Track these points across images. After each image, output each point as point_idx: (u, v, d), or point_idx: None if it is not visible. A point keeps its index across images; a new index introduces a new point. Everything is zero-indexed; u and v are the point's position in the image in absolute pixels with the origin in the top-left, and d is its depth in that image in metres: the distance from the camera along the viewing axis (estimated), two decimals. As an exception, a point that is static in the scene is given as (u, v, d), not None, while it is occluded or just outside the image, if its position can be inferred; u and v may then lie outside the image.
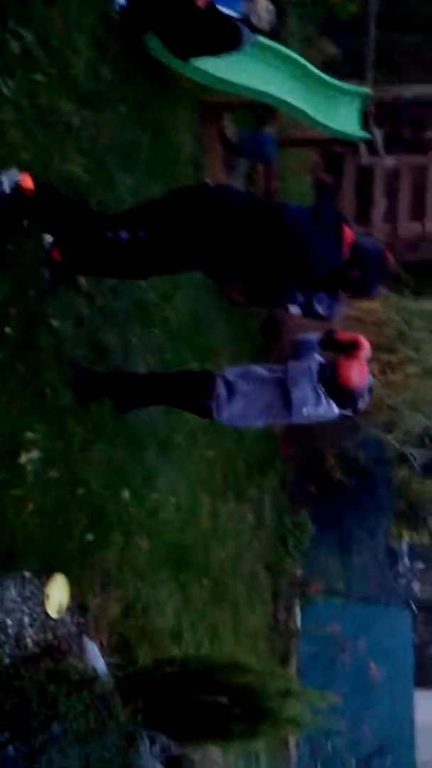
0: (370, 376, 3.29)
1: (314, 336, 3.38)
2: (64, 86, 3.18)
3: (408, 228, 5.55)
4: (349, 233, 2.77)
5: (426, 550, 11.01)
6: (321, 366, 3.13)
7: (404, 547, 10.26)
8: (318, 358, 3.33)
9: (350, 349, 3.24)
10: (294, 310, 2.89)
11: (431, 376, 7.36)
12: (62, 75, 3.16)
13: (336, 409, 3.26)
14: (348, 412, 3.39)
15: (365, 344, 3.24)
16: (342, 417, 3.37)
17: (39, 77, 2.95)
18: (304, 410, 3.17)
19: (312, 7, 8.84)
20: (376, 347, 7.22)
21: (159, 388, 3.37)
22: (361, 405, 3.30)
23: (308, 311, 2.87)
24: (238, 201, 2.78)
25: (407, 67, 7.28)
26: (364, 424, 7.42)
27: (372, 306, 7.44)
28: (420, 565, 11.93)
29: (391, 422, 7.41)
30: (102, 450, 3.43)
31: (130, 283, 3.84)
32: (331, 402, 3.20)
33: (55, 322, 2.98)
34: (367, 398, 3.27)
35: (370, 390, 3.29)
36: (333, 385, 3.13)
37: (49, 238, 2.86)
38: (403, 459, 8.01)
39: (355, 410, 3.37)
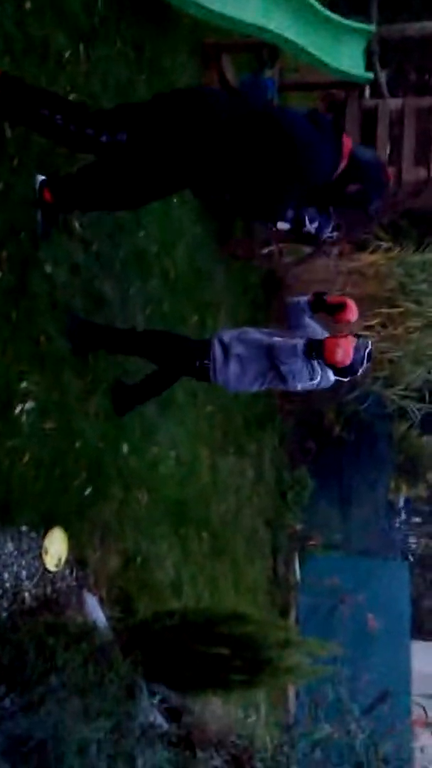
0: (368, 343, 3.23)
1: (304, 298, 3.31)
2: (56, 17, 2.99)
3: (412, 172, 5.35)
4: (348, 142, 2.60)
5: (423, 504, 11.09)
6: (307, 343, 3.06)
7: (402, 501, 10.32)
8: (308, 323, 3.26)
9: (338, 310, 3.16)
10: (283, 226, 2.72)
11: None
12: (53, 5, 2.96)
13: (332, 378, 3.23)
14: (346, 380, 3.34)
15: (352, 306, 3.16)
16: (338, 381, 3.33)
17: (27, 5, 2.76)
18: (297, 384, 3.15)
19: None
20: (376, 301, 7.16)
21: (155, 347, 3.27)
22: (360, 373, 3.25)
23: (298, 229, 2.71)
24: (229, 102, 2.59)
25: (412, 6, 6.98)
26: (364, 380, 7.35)
27: (373, 258, 7.29)
28: (417, 519, 12.04)
29: (392, 377, 7.33)
30: (100, 403, 3.35)
31: (128, 231, 3.71)
32: (327, 371, 3.16)
33: (48, 268, 2.86)
34: (365, 365, 3.21)
35: (369, 356, 3.22)
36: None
37: (40, 177, 2.71)
38: (403, 414, 7.98)
39: (354, 378, 3.32)
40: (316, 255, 6.72)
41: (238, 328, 3.33)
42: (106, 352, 3.33)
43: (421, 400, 7.81)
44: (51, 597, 2.80)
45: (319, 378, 3.13)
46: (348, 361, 3.02)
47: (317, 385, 3.19)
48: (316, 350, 3.03)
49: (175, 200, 4.57)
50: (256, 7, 4.57)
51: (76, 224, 3.09)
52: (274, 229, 2.77)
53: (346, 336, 3.07)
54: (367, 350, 3.16)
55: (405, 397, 7.54)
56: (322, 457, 7.59)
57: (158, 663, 2.95)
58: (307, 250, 6.75)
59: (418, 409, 7.80)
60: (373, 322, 7.01)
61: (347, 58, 5.31)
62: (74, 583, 3.02)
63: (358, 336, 3.27)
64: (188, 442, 4.74)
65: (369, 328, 7.01)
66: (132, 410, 3.59)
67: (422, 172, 5.36)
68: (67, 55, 3.04)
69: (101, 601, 3.21)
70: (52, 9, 2.95)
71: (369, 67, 5.48)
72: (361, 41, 5.35)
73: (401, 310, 7.18)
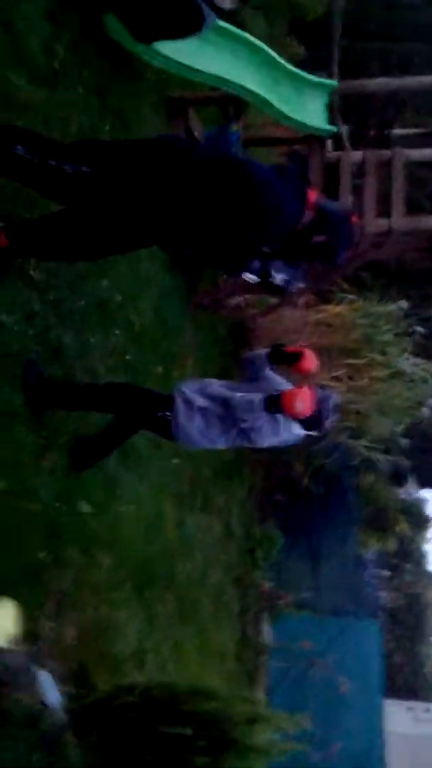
0: (333, 393, 3.11)
1: (263, 351, 3.20)
2: (12, 56, 2.90)
3: (374, 224, 5.36)
4: (313, 193, 2.54)
5: (392, 557, 10.93)
6: (266, 398, 2.92)
7: (371, 555, 10.14)
8: (269, 376, 3.14)
9: (296, 360, 3.04)
10: (250, 278, 2.64)
11: (397, 379, 7.25)
12: (10, 44, 2.88)
13: (300, 432, 3.07)
14: (314, 433, 3.19)
15: (309, 355, 3.05)
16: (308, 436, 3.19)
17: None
18: (262, 441, 2.99)
19: (277, 6, 8.74)
20: (343, 352, 7.14)
21: (115, 400, 3.10)
22: (328, 425, 3.11)
23: (265, 281, 2.64)
24: (195, 150, 2.54)
25: (370, 68, 7.18)
26: (331, 431, 7.26)
27: (338, 310, 7.30)
28: (386, 572, 11.85)
29: (359, 428, 7.27)
30: (56, 458, 3.14)
31: (89, 280, 3.57)
32: (293, 425, 3.01)
33: (1, 316, 2.69)
34: (332, 416, 3.08)
35: (336, 408, 3.09)
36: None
37: (-6, 221, 2.57)
38: (371, 465, 7.89)
39: (321, 431, 3.18)
40: (283, 306, 6.70)
41: (201, 380, 3.17)
42: (65, 410, 3.15)
43: (388, 451, 7.76)
44: (-2, 676, 2.54)
45: (285, 433, 2.98)
46: (308, 412, 2.88)
47: (285, 440, 3.04)
48: (274, 404, 2.88)
49: (141, 251, 4.47)
50: (221, 59, 4.58)
51: (33, 271, 2.94)
52: (240, 280, 2.66)
53: (304, 386, 2.93)
54: (333, 401, 3.03)
55: (372, 448, 7.47)
56: (290, 510, 7.42)
57: (116, 746, 2.69)
58: (274, 300, 6.74)
59: (385, 461, 7.75)
60: (339, 373, 6.98)
61: (310, 111, 5.36)
62: (24, 659, 2.75)
63: (323, 386, 3.14)
64: (152, 496, 4.53)
65: (336, 379, 6.98)
66: (90, 466, 3.39)
67: (383, 224, 5.37)
68: (23, 96, 2.94)
69: (55, 677, 2.94)
70: (10, 47, 2.85)
71: (331, 121, 5.54)
72: (324, 95, 5.42)
73: (367, 360, 7.17)
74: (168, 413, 2.94)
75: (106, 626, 3.45)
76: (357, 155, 5.62)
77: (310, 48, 8.76)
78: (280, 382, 3.10)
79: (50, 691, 2.80)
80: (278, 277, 2.65)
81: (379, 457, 7.65)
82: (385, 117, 6.45)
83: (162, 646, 4.22)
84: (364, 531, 8.59)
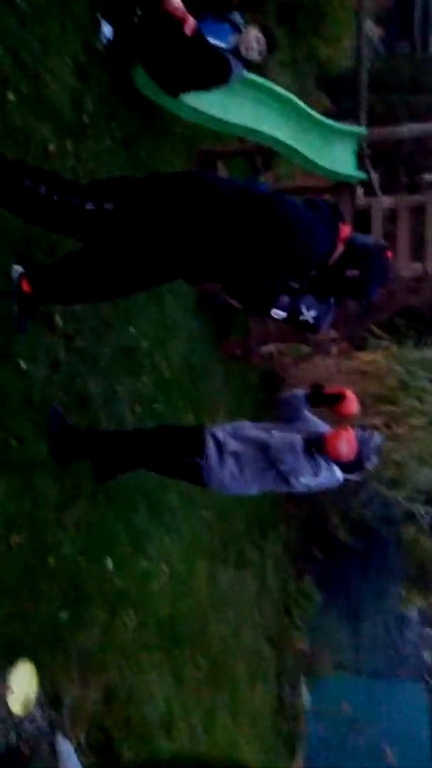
0: (376, 436, 2.97)
1: (301, 391, 3.09)
2: (41, 110, 2.91)
3: (410, 268, 5.26)
4: (345, 228, 2.46)
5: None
6: (306, 439, 2.80)
7: (414, 613, 9.66)
8: (306, 416, 3.02)
9: (337, 401, 2.93)
10: (278, 314, 2.53)
11: (437, 426, 7.00)
12: (39, 97, 2.89)
13: (340, 475, 2.93)
14: (355, 477, 3.05)
15: (351, 396, 2.94)
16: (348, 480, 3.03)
17: (10, 96, 2.67)
18: (302, 481, 2.84)
19: (304, 61, 8.91)
20: (378, 399, 6.95)
21: (142, 446, 2.98)
22: (370, 467, 2.96)
23: (294, 317, 2.53)
24: (224, 184, 2.50)
25: (398, 117, 7.20)
26: (369, 481, 7.02)
27: (372, 357, 7.16)
28: (430, 631, 11.26)
29: (397, 478, 7.02)
30: (80, 511, 3.01)
31: (115, 326, 3.51)
32: (333, 467, 2.87)
33: (24, 364, 2.62)
34: (375, 460, 2.94)
35: (378, 450, 2.95)
36: None
37: (18, 267, 2.53)
38: (411, 517, 7.58)
39: (362, 474, 3.03)
40: (316, 354, 6.59)
41: (232, 422, 3.04)
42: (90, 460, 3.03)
43: (429, 502, 7.45)
44: (15, 746, 2.37)
45: (325, 475, 2.83)
46: (353, 455, 2.75)
47: (324, 483, 2.88)
48: (316, 446, 2.75)
49: (168, 297, 4.43)
50: (248, 110, 4.60)
51: (58, 318, 2.88)
52: (269, 316, 2.57)
53: (347, 428, 2.79)
54: (375, 442, 2.89)
55: (412, 499, 7.19)
56: (328, 566, 7.12)
57: None
58: (306, 349, 6.63)
59: (427, 513, 7.43)
60: (375, 421, 6.78)
61: (339, 158, 5.34)
62: (46, 727, 2.58)
63: (363, 427, 2.99)
64: (183, 552, 4.35)
65: (372, 427, 6.77)
66: (114, 477, 3.19)
67: (418, 268, 5.27)
68: (51, 148, 2.94)
69: (78, 745, 2.75)
70: (38, 102, 2.87)
71: (361, 168, 5.51)
72: (352, 143, 5.40)
73: (404, 408, 6.97)
74: (198, 458, 2.80)
75: (132, 690, 3.25)
76: (388, 201, 5.56)
77: (336, 101, 8.88)
78: (317, 423, 2.97)
79: (72, 761, 2.61)
80: (308, 314, 2.54)
81: (420, 509, 7.35)
82: (414, 163, 6.40)
83: (192, 712, 3.98)
84: (406, 587, 8.19)
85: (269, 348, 6.45)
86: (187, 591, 4.32)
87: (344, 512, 7.49)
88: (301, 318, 2.54)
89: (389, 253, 2.54)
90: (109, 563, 3.27)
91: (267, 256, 2.37)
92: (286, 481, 2.82)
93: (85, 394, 3.15)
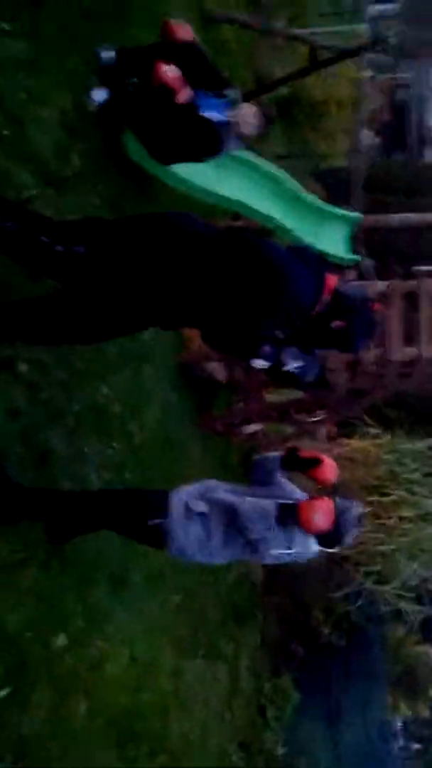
0: (355, 504, 2.76)
1: (275, 454, 2.89)
2: (24, 155, 2.88)
3: (402, 352, 5.19)
4: (331, 277, 2.41)
5: (424, 726, 9.69)
6: (280, 507, 2.59)
7: (399, 722, 9.01)
8: (280, 482, 2.81)
9: (312, 466, 2.74)
10: (260, 364, 2.40)
11: (428, 521, 6.75)
12: (21, 142, 2.86)
13: (315, 548, 2.70)
14: (333, 550, 2.79)
15: (329, 462, 2.75)
16: (328, 559, 2.79)
17: (5, 132, 2.63)
18: (270, 555, 2.62)
19: (301, 158, 9.23)
20: (366, 488, 6.73)
21: (104, 505, 2.76)
22: (348, 540, 2.73)
23: (277, 368, 2.41)
24: (204, 227, 2.44)
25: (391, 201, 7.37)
26: (355, 574, 6.70)
27: (362, 444, 7.00)
28: (416, 745, 10.49)
29: (385, 572, 6.70)
30: (30, 578, 2.76)
31: (86, 383, 3.36)
32: (308, 539, 2.65)
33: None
34: (354, 531, 2.72)
35: (358, 520, 2.74)
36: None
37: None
38: (399, 615, 7.18)
39: (340, 546, 2.78)
40: (302, 436, 6.43)
41: (202, 481, 2.82)
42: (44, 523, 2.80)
43: (419, 600, 7.08)
44: None
45: (298, 548, 2.60)
46: (327, 527, 2.53)
47: (296, 556, 2.64)
48: (290, 514, 2.53)
49: (146, 365, 4.30)
50: (241, 186, 4.66)
51: (21, 364, 2.73)
52: (252, 365, 2.45)
53: (323, 498, 2.59)
54: (355, 512, 2.68)
55: (400, 596, 6.83)
56: (308, 663, 6.66)
57: None
58: (291, 431, 6.47)
59: (415, 612, 7.04)
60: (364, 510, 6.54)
61: (332, 241, 5.40)
62: None
63: (344, 496, 2.78)
64: (147, 637, 4.02)
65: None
66: (69, 540, 2.94)
67: (411, 352, 5.20)
68: (30, 193, 2.88)
69: None
70: (19, 146, 2.83)
71: (354, 252, 5.56)
72: (347, 227, 5.48)
73: (393, 498, 6.74)
74: (162, 520, 2.57)
75: (74, 790, 2.88)
76: (381, 285, 5.57)
77: (330, 192, 9.14)
78: (292, 490, 2.76)
79: None
80: (291, 365, 2.41)
81: (408, 608, 6.97)
82: (408, 250, 6.49)
83: None
84: (391, 693, 7.65)
85: (253, 427, 6.29)
86: (149, 681, 3.95)
87: (328, 606, 7.10)
88: (284, 369, 2.42)
89: (376, 306, 2.47)
90: (61, 639, 2.98)
91: (252, 300, 2.30)
92: (256, 550, 2.59)
93: (46, 451, 2.96)
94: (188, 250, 2.31)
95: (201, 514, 2.58)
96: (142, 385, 4.14)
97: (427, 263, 7.58)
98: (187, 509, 2.59)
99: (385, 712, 7.40)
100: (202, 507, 2.59)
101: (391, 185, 13.20)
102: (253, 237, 2.50)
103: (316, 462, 2.70)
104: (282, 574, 7.29)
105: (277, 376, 2.47)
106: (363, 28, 5.92)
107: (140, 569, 3.91)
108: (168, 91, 3.54)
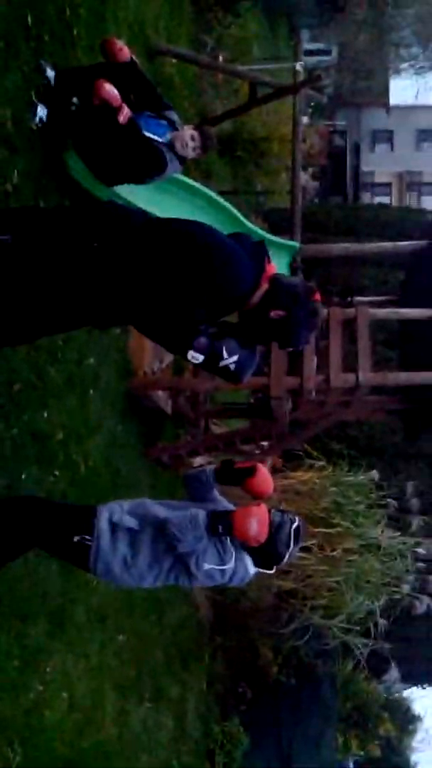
0: (294, 517, 2.52)
1: (210, 467, 2.66)
2: None
3: (341, 378, 5.19)
4: (271, 265, 2.27)
5: (375, 764, 9.51)
6: (211, 515, 2.38)
7: (351, 762, 8.82)
8: (216, 497, 2.60)
9: (246, 476, 2.50)
10: (196, 357, 2.20)
11: (372, 552, 6.72)
12: None
13: (252, 569, 2.48)
14: (268, 571, 2.56)
15: (263, 472, 2.50)
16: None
17: None
18: (205, 568, 2.38)
19: (244, 195, 9.37)
20: (312, 520, 6.67)
21: (24, 516, 2.47)
22: (286, 558, 2.50)
23: (213, 362, 2.21)
24: (135, 214, 2.31)
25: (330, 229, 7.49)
26: (302, 609, 6.57)
27: (307, 476, 6.96)
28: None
29: (332, 605, 6.60)
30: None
31: (26, 408, 3.19)
32: (246, 558, 2.44)
33: None
34: (294, 548, 2.48)
35: (297, 534, 2.47)
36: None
37: None
38: (348, 650, 7.06)
39: (277, 565, 2.54)
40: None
41: (133, 500, 2.63)
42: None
43: (365, 634, 7.00)
44: None
45: (232, 564, 2.38)
46: (263, 538, 2.34)
47: (231, 575, 2.42)
48: (222, 523, 2.33)
49: (91, 392, 4.16)
50: (182, 210, 4.63)
51: None
52: (185, 357, 2.27)
53: (259, 504, 2.38)
54: (294, 526, 2.45)
55: (347, 630, 6.73)
56: (257, 704, 6.46)
57: None
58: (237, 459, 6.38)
59: (363, 645, 6.95)
60: (310, 543, 6.46)
61: (272, 269, 5.40)
62: None
63: (282, 511, 2.57)
64: (89, 679, 3.79)
65: (305, 549, 6.44)
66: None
67: (350, 378, 5.21)
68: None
69: None
70: None
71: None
72: (286, 256, 5.50)
73: (339, 529, 6.70)
74: (87, 536, 2.37)
75: None
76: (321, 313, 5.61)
77: (273, 230, 9.30)
78: (227, 506, 2.56)
79: None
80: (229, 359, 2.21)
81: (356, 642, 6.87)
82: (347, 279, 6.59)
83: None
84: (342, 731, 7.48)
85: (200, 460, 6.17)
86: (91, 726, 3.72)
87: (275, 643, 6.93)
88: (221, 363, 2.22)
89: (318, 296, 2.34)
90: (-8, 682, 2.75)
91: (184, 287, 2.15)
92: (187, 568, 2.37)
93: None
94: (115, 237, 2.19)
95: (129, 530, 2.39)
96: (87, 414, 3.99)
97: (365, 295, 7.75)
98: (115, 525, 2.40)
99: (337, 752, 7.21)
100: (130, 522, 2.41)
101: (330, 225, 13.61)
102: (186, 224, 2.36)
103: (251, 471, 2.49)
104: (229, 611, 7.11)
105: (214, 370, 2.27)
106: (300, 65, 6.04)
107: (82, 606, 3.71)
108: (110, 110, 3.49)
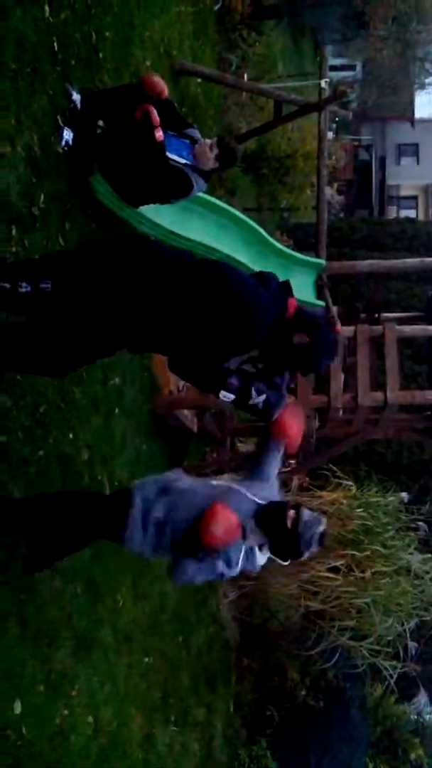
0: (322, 522, 2.51)
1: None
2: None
3: (369, 397, 5.14)
4: (293, 300, 2.44)
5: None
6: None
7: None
8: (273, 484, 2.60)
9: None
10: (227, 396, 2.36)
11: (402, 575, 6.58)
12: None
13: (260, 559, 2.48)
14: (283, 562, 2.57)
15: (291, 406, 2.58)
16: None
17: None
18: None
19: (268, 211, 9.38)
20: (341, 542, 6.56)
21: (59, 509, 2.57)
22: (307, 555, 2.51)
23: (244, 401, 2.36)
24: (169, 252, 2.44)
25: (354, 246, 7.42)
26: (330, 630, 6.46)
27: (334, 496, 6.86)
28: None
29: (361, 628, 6.47)
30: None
31: (50, 432, 3.19)
32: (255, 550, 2.45)
33: None
34: (314, 549, 2.49)
35: (321, 539, 2.49)
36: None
37: None
38: (377, 672, 6.91)
39: (295, 559, 2.55)
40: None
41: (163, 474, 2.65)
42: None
43: (396, 657, 6.85)
44: None
45: (235, 556, 2.39)
46: (225, 546, 2.31)
47: (245, 566, 2.43)
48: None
49: (116, 411, 4.16)
50: (208, 230, 4.64)
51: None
52: (217, 397, 2.39)
53: (225, 506, 2.31)
54: (320, 530, 2.47)
55: (377, 652, 6.59)
56: (284, 728, 6.33)
57: None
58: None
59: (393, 668, 6.80)
60: (338, 563, 6.36)
61: (297, 286, 5.36)
62: None
63: (311, 509, 2.63)
64: (115, 703, 3.75)
65: (334, 570, 6.34)
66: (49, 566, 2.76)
67: (378, 396, 5.15)
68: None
69: None
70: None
71: (319, 297, 5.54)
72: (312, 273, 5.48)
73: (368, 552, 6.58)
74: (123, 530, 2.44)
75: None
76: (348, 330, 5.56)
77: (298, 246, 9.30)
78: (273, 494, 2.55)
79: None
80: (258, 399, 2.37)
81: (385, 664, 6.72)
82: (373, 295, 6.52)
83: None
84: (372, 757, 7.30)
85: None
86: (117, 750, 3.67)
87: (303, 666, 6.81)
88: (251, 402, 2.37)
89: (338, 328, 2.49)
90: (18, 707, 2.72)
91: (218, 333, 2.30)
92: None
93: (5, 499, 2.76)
94: (152, 276, 2.31)
95: (156, 522, 2.42)
96: (112, 434, 3.99)
97: (391, 310, 7.67)
98: (146, 515, 2.43)
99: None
100: (158, 512, 2.43)
101: (356, 240, 13.55)
102: (221, 268, 2.46)
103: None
104: (256, 632, 7.01)
105: (244, 408, 2.42)
106: (326, 82, 6.05)
107: (108, 627, 3.68)
108: (149, 126, 3.52)
